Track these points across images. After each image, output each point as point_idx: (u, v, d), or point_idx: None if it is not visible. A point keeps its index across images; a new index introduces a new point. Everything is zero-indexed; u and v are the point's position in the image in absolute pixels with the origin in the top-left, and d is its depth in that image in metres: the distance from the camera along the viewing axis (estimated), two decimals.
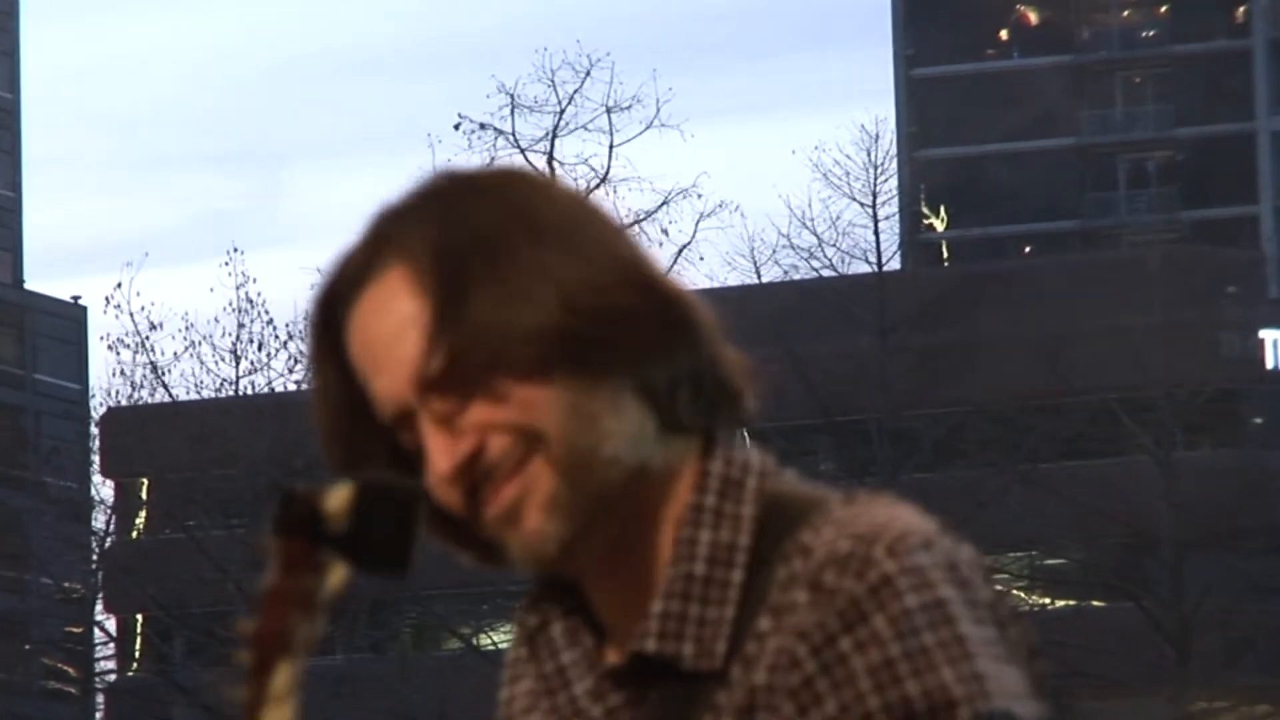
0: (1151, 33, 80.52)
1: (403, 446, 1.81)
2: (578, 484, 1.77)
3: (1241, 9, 79.33)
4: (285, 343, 50.94)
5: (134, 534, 57.99)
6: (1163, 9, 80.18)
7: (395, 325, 1.77)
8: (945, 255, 78.04)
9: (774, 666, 1.75)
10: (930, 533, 1.78)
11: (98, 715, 56.87)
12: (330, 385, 1.82)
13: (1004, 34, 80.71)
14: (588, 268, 1.77)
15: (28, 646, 61.14)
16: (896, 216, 57.39)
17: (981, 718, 1.71)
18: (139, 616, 57.58)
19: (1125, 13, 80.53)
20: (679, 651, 1.77)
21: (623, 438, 1.78)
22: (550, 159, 49.14)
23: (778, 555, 1.78)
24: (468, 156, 57.71)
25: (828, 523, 1.78)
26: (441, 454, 1.77)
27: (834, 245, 51.96)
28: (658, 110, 49.63)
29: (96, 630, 57.58)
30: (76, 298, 71.81)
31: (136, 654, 58.22)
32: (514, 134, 49.23)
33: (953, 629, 1.72)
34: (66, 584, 58.43)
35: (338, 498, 1.75)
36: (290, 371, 50.61)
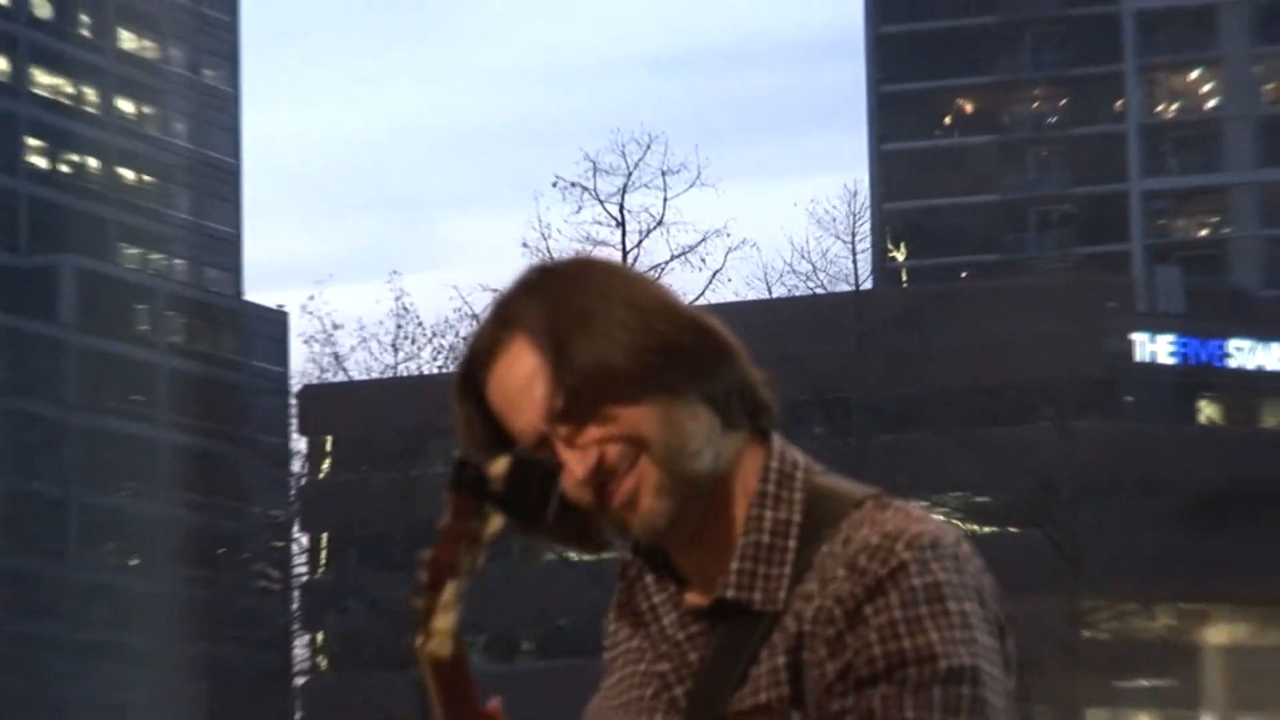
0: (1055, 119, 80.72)
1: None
2: (675, 472, 1.80)
3: (1119, 101, 79.33)
4: (430, 339, 51.17)
5: (320, 475, 58.22)
6: (1063, 101, 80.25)
7: (524, 378, 1.82)
8: (905, 279, 77.91)
9: (816, 619, 1.79)
10: (938, 534, 1.81)
11: (294, 607, 57.08)
12: (472, 418, 1.85)
13: (948, 119, 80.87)
14: (646, 318, 1.81)
15: (244, 556, 61.49)
16: (870, 250, 57.51)
17: (954, 669, 1.75)
18: (324, 535, 57.79)
19: (1035, 104, 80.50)
20: (751, 598, 1.82)
21: (700, 435, 1.81)
22: (621, 208, 49.07)
23: (822, 534, 1.82)
24: (562, 206, 57.76)
25: (865, 521, 1.81)
26: (575, 465, 1.80)
27: (824, 271, 52.29)
28: (699, 173, 49.33)
29: (293, 545, 57.88)
30: (280, 306, 71.87)
31: (321, 562, 58.43)
32: (595, 190, 49.02)
33: (943, 605, 1.77)
34: (272, 511, 58.80)
35: (498, 467, 1.77)
36: (434, 360, 50.85)
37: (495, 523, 1.77)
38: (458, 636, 1.73)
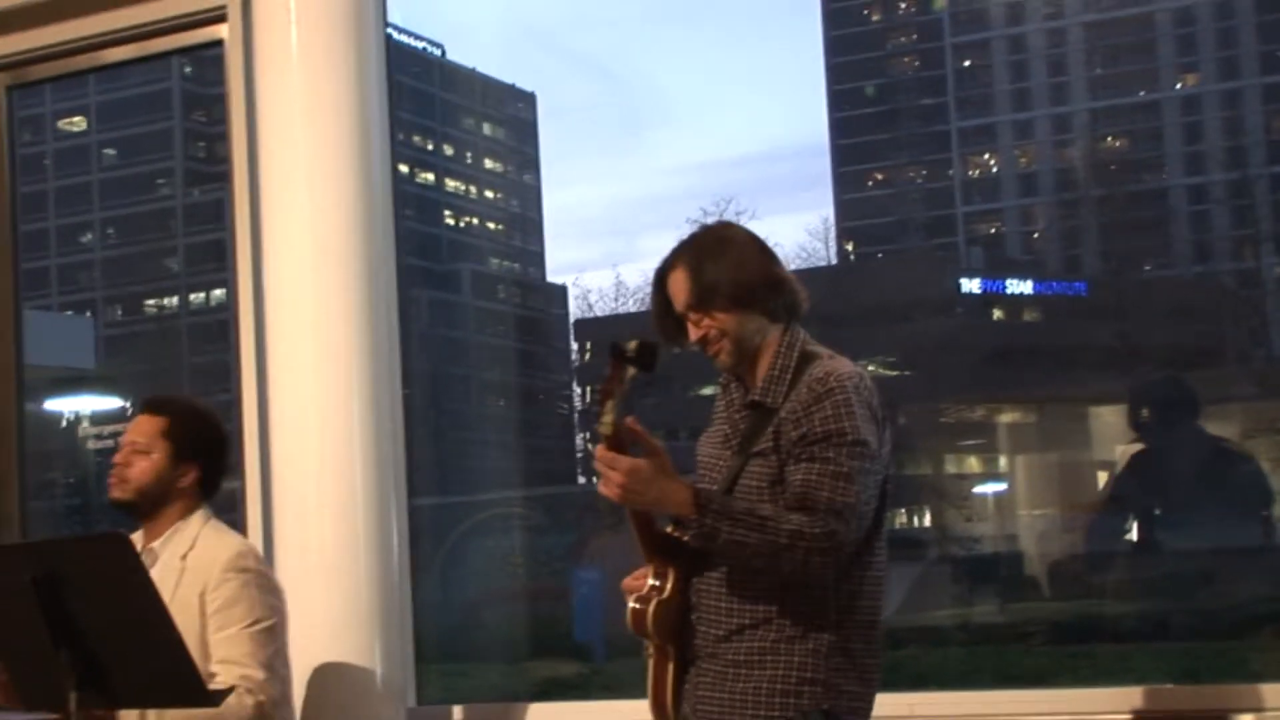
0: None
1: (680, 327, 3.38)
2: (737, 347, 3.37)
3: None
4: None
5: None
6: None
7: (680, 283, 3.37)
8: None
9: (792, 411, 3.27)
10: (854, 370, 3.29)
11: None
12: (659, 305, 3.40)
13: None
14: (742, 266, 3.33)
15: None
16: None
17: (855, 440, 3.21)
18: None
19: None
20: (765, 400, 3.33)
21: (753, 331, 3.35)
22: None
23: (803, 371, 3.31)
24: None
25: (821, 366, 3.31)
26: (693, 332, 3.38)
27: None
28: None
29: None
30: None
31: None
32: None
33: (851, 408, 3.24)
34: None
35: (631, 344, 3.19)
36: None
37: (630, 371, 3.19)
38: (616, 423, 3.17)
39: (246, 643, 3.79)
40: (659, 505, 3.23)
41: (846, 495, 3.18)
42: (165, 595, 3.70)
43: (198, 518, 3.97)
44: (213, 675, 3.76)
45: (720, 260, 3.33)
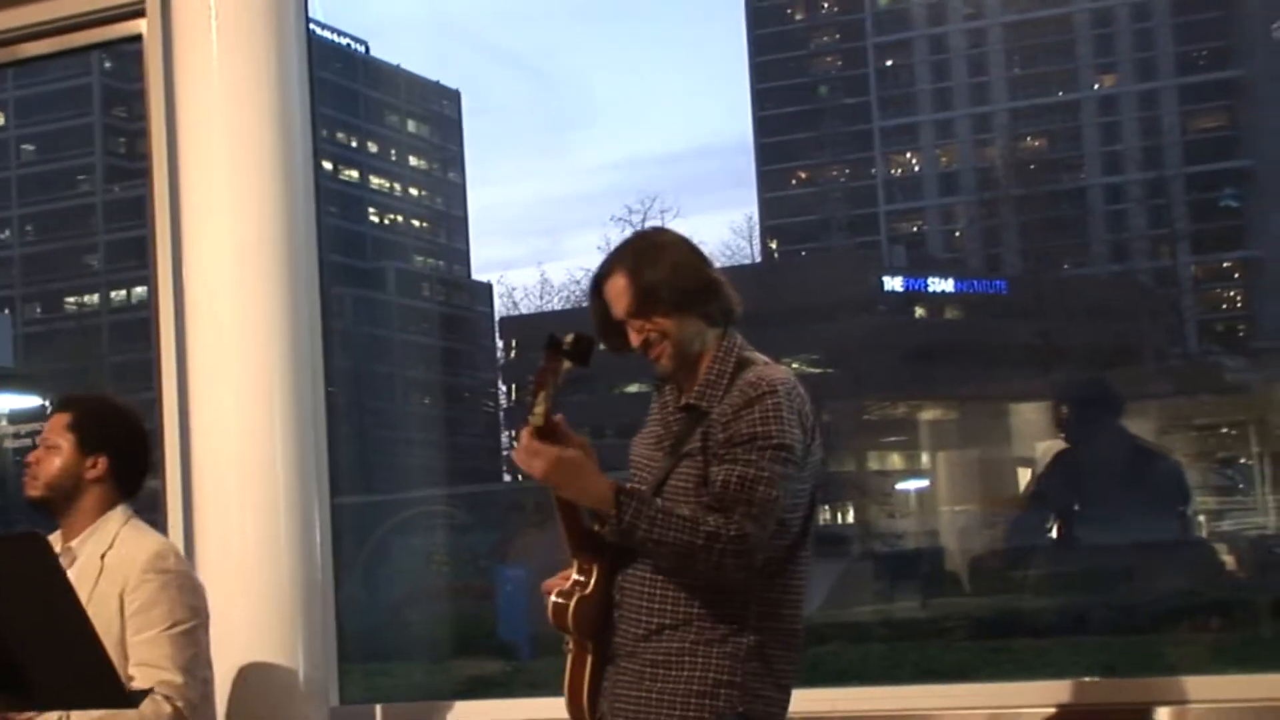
0: None
1: (620, 333, 3.38)
2: (677, 351, 3.36)
3: None
4: None
5: None
6: None
7: (619, 290, 3.36)
8: None
9: (722, 415, 3.29)
10: (786, 377, 3.31)
11: None
12: (598, 313, 3.39)
13: None
14: (679, 270, 3.34)
15: None
16: None
17: (779, 444, 3.24)
18: None
19: None
20: (700, 403, 3.34)
21: (693, 335, 3.36)
22: None
23: (738, 376, 3.33)
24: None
25: (755, 371, 3.32)
26: (634, 338, 3.37)
27: None
28: None
29: None
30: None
31: None
32: None
33: (779, 412, 3.25)
34: None
35: (568, 337, 3.20)
36: None
37: (566, 364, 3.21)
38: (548, 415, 3.21)
39: (165, 645, 3.75)
40: (580, 497, 3.22)
41: (766, 498, 3.18)
42: (84, 594, 3.66)
43: (117, 515, 3.92)
44: (131, 678, 3.72)
45: (657, 265, 3.32)
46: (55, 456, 3.90)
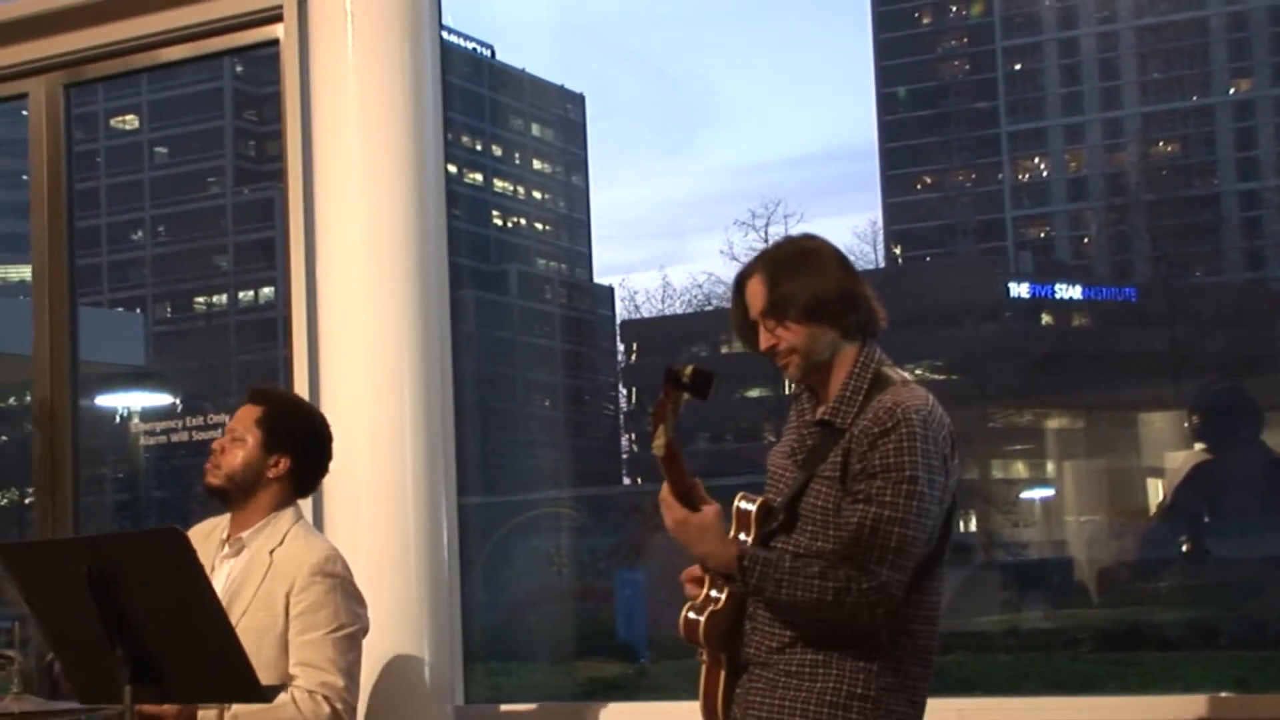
0: None
1: (757, 332, 3.39)
2: (805, 362, 3.38)
3: None
4: None
5: None
6: None
7: (756, 291, 3.39)
8: None
9: (859, 438, 3.28)
10: (926, 403, 3.30)
11: None
12: (738, 310, 3.42)
13: None
14: (818, 281, 3.34)
15: None
16: None
17: (910, 476, 3.22)
18: None
19: None
20: (835, 420, 3.35)
21: (823, 347, 3.36)
22: None
23: (874, 395, 3.31)
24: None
25: (892, 394, 3.30)
26: (764, 340, 3.40)
27: None
28: None
29: None
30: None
31: None
32: None
33: (914, 443, 3.24)
34: None
35: (686, 370, 3.26)
36: None
37: (683, 397, 3.26)
38: (670, 445, 3.26)
39: (329, 648, 3.80)
40: (706, 560, 3.31)
41: (902, 540, 3.21)
42: (251, 586, 3.75)
43: (289, 514, 3.97)
44: (293, 677, 3.78)
45: (797, 273, 3.36)
46: (240, 449, 3.95)
